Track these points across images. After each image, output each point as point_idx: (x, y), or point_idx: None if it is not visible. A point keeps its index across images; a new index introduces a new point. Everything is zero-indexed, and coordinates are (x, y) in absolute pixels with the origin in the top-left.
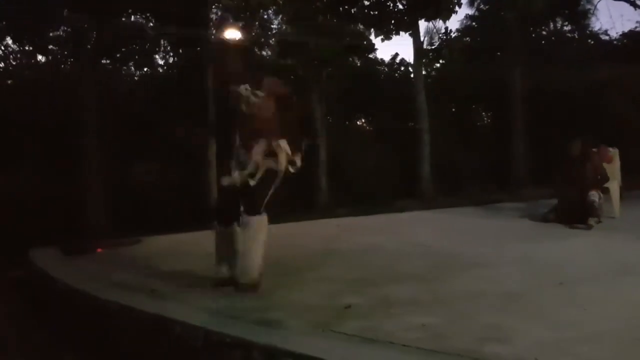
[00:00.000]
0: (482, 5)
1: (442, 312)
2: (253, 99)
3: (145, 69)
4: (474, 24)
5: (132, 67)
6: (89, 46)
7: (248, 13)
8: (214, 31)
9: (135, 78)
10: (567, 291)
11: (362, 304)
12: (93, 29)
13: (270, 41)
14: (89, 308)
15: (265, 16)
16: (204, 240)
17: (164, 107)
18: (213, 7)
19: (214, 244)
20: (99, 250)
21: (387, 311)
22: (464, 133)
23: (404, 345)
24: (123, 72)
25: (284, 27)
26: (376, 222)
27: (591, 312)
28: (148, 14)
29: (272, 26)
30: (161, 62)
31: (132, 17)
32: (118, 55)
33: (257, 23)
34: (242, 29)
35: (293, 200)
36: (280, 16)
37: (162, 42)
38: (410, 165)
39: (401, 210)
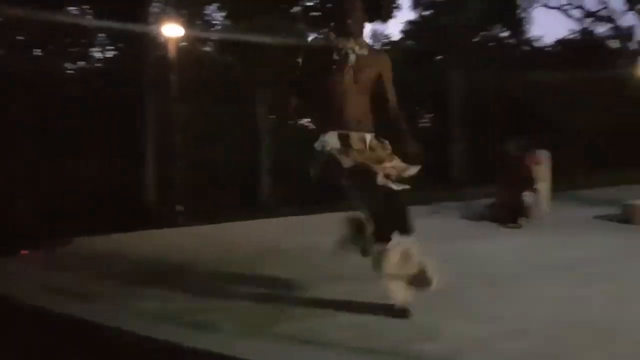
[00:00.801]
0: (423, 11)
1: (376, 311)
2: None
3: (80, 63)
4: (415, 28)
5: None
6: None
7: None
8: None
9: (71, 72)
10: (493, 288)
11: (299, 305)
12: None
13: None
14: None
15: (207, 13)
16: (138, 242)
17: (100, 102)
18: (153, 2)
19: (150, 246)
20: (24, 252)
21: (323, 311)
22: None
23: (337, 346)
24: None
25: (225, 25)
26: (321, 221)
27: (515, 309)
28: (86, 7)
29: (214, 23)
30: (100, 56)
31: (70, 9)
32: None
33: (199, 19)
34: (184, 24)
35: (234, 199)
36: (222, 14)
37: (100, 36)
38: None
39: (343, 209)
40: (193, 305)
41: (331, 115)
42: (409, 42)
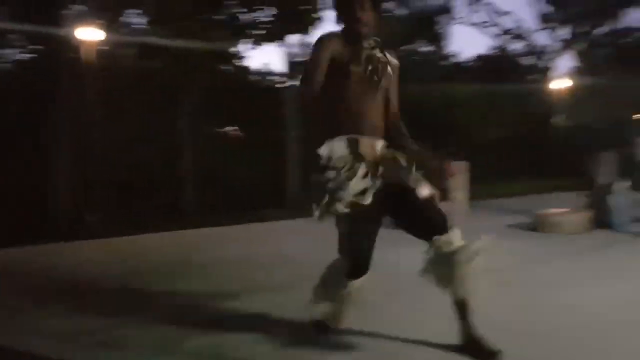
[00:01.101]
0: None
1: (292, 325)
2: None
3: None
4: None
5: None
6: None
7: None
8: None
9: None
10: (396, 298)
11: (213, 319)
12: None
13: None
14: None
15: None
16: (47, 254)
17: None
18: (70, 5)
19: (60, 259)
20: None
21: (239, 325)
22: None
23: None
24: None
25: (147, 29)
26: (242, 232)
27: (432, 316)
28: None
29: (135, 27)
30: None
31: None
32: None
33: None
34: (104, 27)
35: (155, 209)
36: (144, 17)
37: (12, 37)
38: (280, 174)
39: (269, 219)
40: (106, 321)
41: (342, 118)
42: None
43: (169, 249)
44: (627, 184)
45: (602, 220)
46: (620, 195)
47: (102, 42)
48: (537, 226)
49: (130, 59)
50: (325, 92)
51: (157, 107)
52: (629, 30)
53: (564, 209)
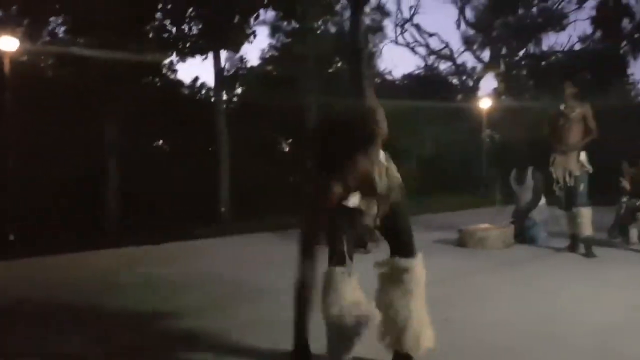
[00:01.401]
0: (281, 38)
1: (215, 347)
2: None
3: None
4: (276, 53)
5: None
6: None
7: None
8: None
9: None
10: None
11: (134, 344)
12: None
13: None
14: None
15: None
16: None
17: None
18: None
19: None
20: None
21: (156, 350)
22: (267, 158)
23: None
24: None
25: (68, 38)
26: (167, 250)
27: None
28: None
29: (55, 36)
30: None
31: None
32: None
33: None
34: (23, 36)
35: (75, 227)
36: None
37: None
38: (209, 190)
39: (197, 237)
40: (20, 350)
41: None
42: (268, 68)
43: (87, 270)
44: (545, 200)
45: (523, 235)
46: (540, 211)
47: (19, 52)
48: (462, 241)
49: (50, 68)
50: None
51: (81, 119)
52: (547, 53)
53: (488, 224)
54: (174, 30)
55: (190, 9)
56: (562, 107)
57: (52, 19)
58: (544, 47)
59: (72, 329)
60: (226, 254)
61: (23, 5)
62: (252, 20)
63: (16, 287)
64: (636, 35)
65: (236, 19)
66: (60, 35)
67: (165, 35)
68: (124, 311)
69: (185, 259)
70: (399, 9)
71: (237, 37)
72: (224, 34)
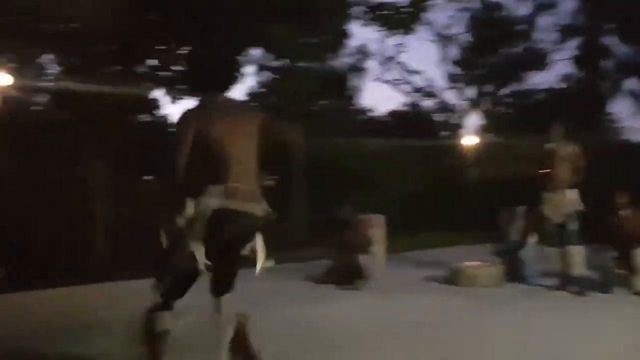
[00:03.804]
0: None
1: None
2: None
3: None
4: (263, 89)
5: None
6: None
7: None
8: None
9: None
10: (333, 355)
11: None
12: None
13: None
14: None
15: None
16: None
17: None
18: None
19: None
20: None
21: None
22: None
23: None
24: None
25: (59, 78)
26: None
27: None
28: None
29: (48, 72)
30: None
31: None
32: None
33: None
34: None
35: (60, 262)
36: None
37: None
38: None
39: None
40: None
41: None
42: (254, 105)
43: (74, 306)
44: (535, 238)
45: (513, 273)
46: (530, 249)
47: (9, 87)
48: (452, 279)
49: (40, 106)
50: None
51: (68, 157)
52: (530, 92)
53: (478, 262)
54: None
55: (182, 50)
56: (551, 145)
57: (46, 57)
58: (528, 86)
59: None
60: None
61: (16, 43)
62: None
63: (3, 322)
64: (617, 75)
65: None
66: (54, 73)
67: (158, 73)
68: (113, 348)
69: None
70: (382, 47)
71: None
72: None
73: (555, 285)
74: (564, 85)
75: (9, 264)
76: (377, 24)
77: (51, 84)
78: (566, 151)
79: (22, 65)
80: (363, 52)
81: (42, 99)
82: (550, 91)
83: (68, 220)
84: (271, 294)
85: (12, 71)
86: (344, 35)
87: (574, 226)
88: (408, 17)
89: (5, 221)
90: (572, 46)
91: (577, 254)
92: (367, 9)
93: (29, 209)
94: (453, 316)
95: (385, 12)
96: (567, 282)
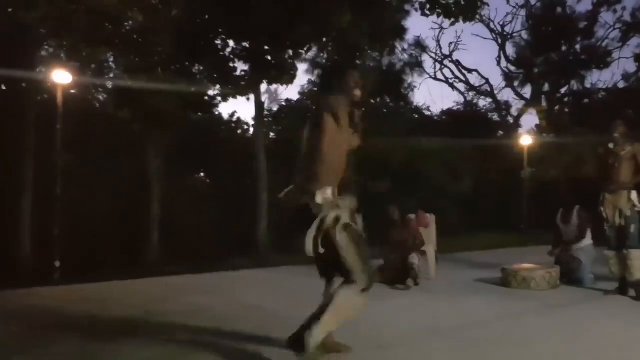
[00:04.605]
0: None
1: None
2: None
3: None
4: (315, 89)
5: None
6: None
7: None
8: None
9: None
10: (383, 355)
11: None
12: None
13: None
14: None
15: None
16: (9, 301)
17: None
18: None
19: (22, 306)
20: None
21: None
22: None
23: None
24: None
25: (120, 77)
26: (208, 281)
27: None
28: None
29: (110, 75)
30: None
31: None
32: None
33: (92, 68)
34: (77, 73)
35: (119, 255)
36: (117, 66)
37: None
38: (247, 223)
39: (235, 268)
40: None
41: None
42: (307, 103)
43: (133, 298)
44: (591, 240)
45: (569, 276)
46: (587, 252)
47: (72, 86)
48: (504, 281)
49: (102, 105)
50: None
51: (126, 154)
52: (590, 91)
53: (532, 264)
54: (223, 69)
55: (240, 45)
56: (611, 145)
57: (106, 58)
58: (587, 85)
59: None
60: (265, 286)
61: (81, 41)
62: (303, 53)
63: (60, 312)
64: None
65: (287, 55)
66: (115, 73)
67: (215, 74)
68: (171, 338)
69: (227, 290)
70: (438, 44)
71: (283, 74)
72: (270, 70)
73: (613, 289)
74: (625, 84)
75: (67, 258)
76: (435, 14)
77: (111, 83)
78: (626, 151)
79: (83, 64)
80: (421, 46)
81: (102, 97)
82: (611, 91)
83: (125, 215)
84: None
85: (73, 69)
86: (403, 28)
87: (633, 228)
88: (468, 5)
89: (66, 216)
90: (634, 43)
91: (637, 257)
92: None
93: (88, 204)
94: (502, 318)
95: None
96: (625, 286)
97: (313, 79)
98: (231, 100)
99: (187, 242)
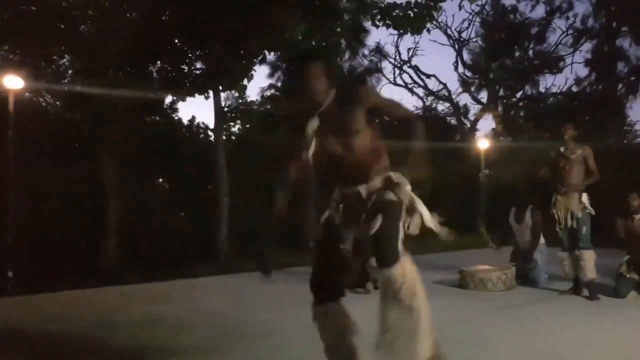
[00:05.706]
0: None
1: None
2: None
3: None
4: (277, 93)
5: None
6: None
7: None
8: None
9: None
10: None
11: None
12: None
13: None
14: None
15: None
16: None
17: None
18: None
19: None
20: None
21: None
22: (266, 197)
23: None
24: None
25: (73, 79)
26: (167, 289)
27: None
28: None
29: (65, 80)
30: None
31: None
32: None
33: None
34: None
35: (70, 264)
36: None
37: None
38: (208, 228)
39: (196, 275)
40: None
41: None
42: (267, 106)
43: (85, 308)
44: (545, 241)
45: (524, 277)
46: (541, 252)
47: (23, 90)
48: (462, 283)
49: (53, 109)
50: None
51: (79, 159)
52: (544, 95)
53: (489, 265)
54: (179, 69)
55: (197, 51)
56: (562, 148)
57: (61, 60)
58: (542, 89)
59: None
60: (225, 293)
61: (31, 46)
62: (257, 61)
63: (11, 324)
64: (632, 78)
65: (243, 61)
66: (68, 75)
67: (170, 74)
68: (123, 350)
69: (186, 297)
70: (397, 50)
71: (240, 78)
72: (226, 74)
73: (566, 289)
74: (577, 88)
75: (19, 267)
76: (385, 25)
77: (65, 87)
78: (577, 154)
79: (35, 68)
80: (380, 53)
81: (55, 101)
82: (565, 94)
83: (80, 223)
84: (288, 297)
85: (24, 74)
86: (364, 34)
87: (585, 230)
88: (419, 18)
89: (18, 224)
90: (586, 49)
91: (589, 258)
92: (377, 10)
93: (41, 212)
94: (461, 319)
95: (396, 12)
96: (578, 286)
97: (274, 82)
98: (191, 104)
99: (145, 249)
